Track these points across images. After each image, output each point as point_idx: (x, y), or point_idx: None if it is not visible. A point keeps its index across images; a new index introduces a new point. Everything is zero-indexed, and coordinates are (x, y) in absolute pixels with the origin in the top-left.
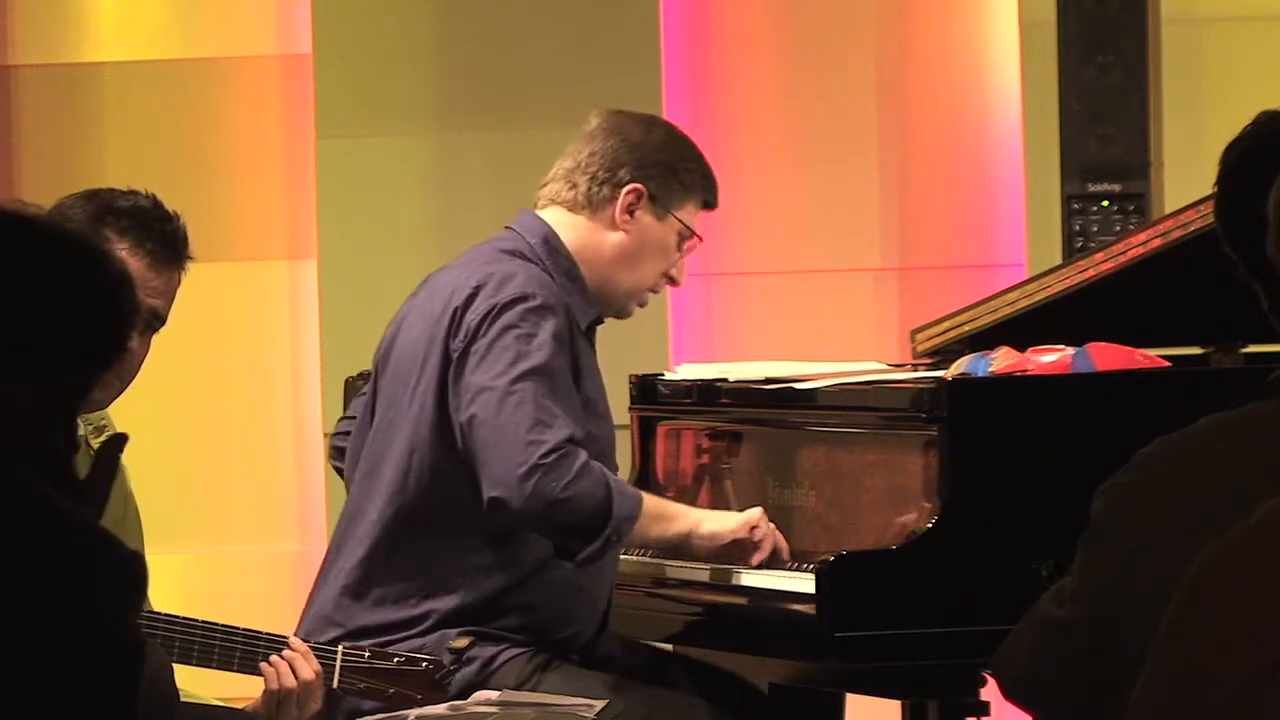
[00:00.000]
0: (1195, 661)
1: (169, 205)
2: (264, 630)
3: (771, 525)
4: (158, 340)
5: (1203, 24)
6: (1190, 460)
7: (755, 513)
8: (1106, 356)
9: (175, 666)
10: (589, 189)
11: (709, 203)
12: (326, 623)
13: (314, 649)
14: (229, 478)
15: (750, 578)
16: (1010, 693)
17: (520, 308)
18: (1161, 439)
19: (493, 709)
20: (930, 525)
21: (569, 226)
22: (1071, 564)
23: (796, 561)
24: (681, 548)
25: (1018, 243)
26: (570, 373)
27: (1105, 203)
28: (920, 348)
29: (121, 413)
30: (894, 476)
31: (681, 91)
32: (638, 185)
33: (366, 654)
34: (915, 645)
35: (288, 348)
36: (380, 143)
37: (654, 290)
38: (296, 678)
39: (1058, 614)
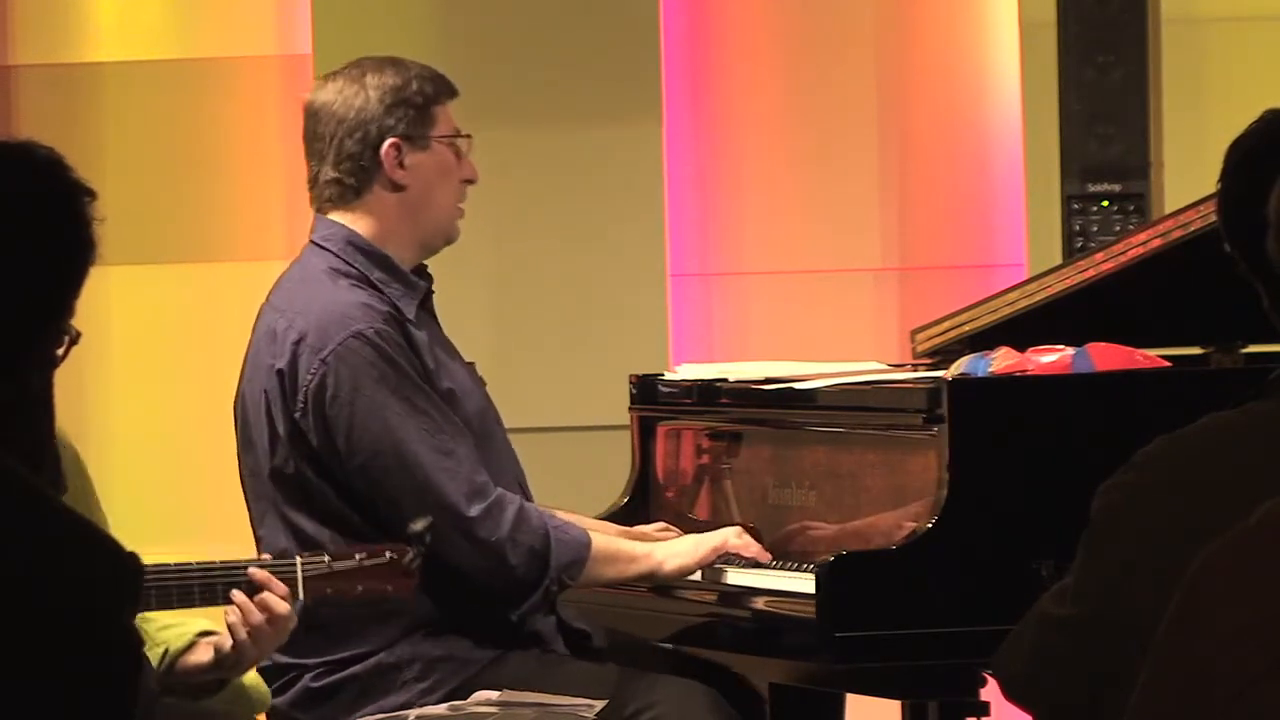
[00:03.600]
0: (1195, 661)
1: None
2: (218, 560)
3: (745, 541)
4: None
5: (1203, 24)
6: (1190, 459)
7: (719, 539)
8: (1106, 356)
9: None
10: (355, 171)
11: (450, 92)
12: (286, 666)
13: (274, 564)
14: (229, 478)
15: (750, 578)
16: (1010, 692)
17: (358, 355)
18: (1162, 438)
19: (493, 709)
20: (930, 525)
21: (357, 219)
22: (1071, 564)
23: (796, 561)
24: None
25: (1018, 243)
26: (421, 375)
27: (1105, 203)
28: (920, 348)
29: (122, 412)
30: (894, 476)
31: (681, 91)
32: (391, 139)
33: (326, 559)
34: (915, 645)
35: None
36: None
37: (459, 203)
38: (268, 608)
39: (1058, 613)
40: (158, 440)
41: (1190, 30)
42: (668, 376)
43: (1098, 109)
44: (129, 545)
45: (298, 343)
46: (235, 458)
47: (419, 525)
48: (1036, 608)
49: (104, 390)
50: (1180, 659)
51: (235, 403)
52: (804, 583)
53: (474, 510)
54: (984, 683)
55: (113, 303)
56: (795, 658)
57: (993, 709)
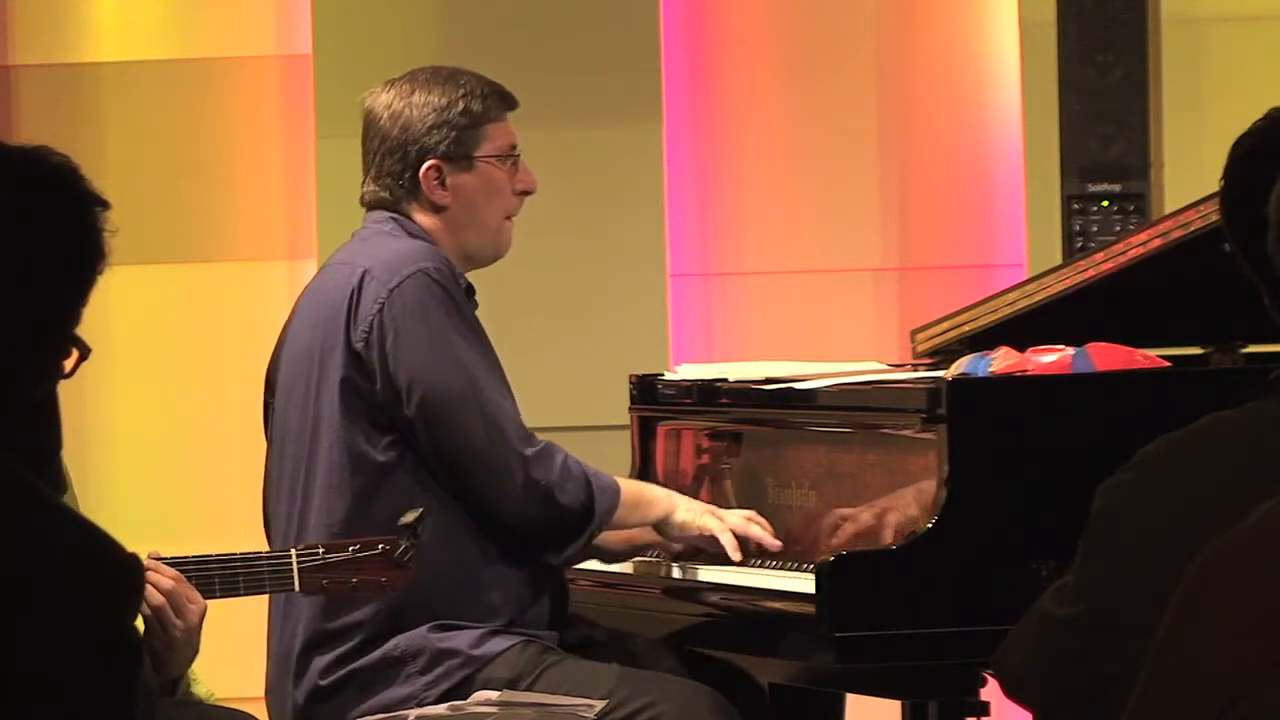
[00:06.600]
0: (1195, 661)
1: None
2: (213, 554)
3: (747, 530)
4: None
5: (1203, 24)
6: (1190, 459)
7: (734, 519)
8: (1106, 356)
9: None
10: (394, 189)
11: (506, 105)
12: (299, 660)
13: (269, 556)
14: (229, 478)
15: (750, 578)
16: (1010, 692)
17: (425, 289)
18: (1162, 438)
19: (493, 709)
20: (930, 525)
21: (406, 219)
22: (1072, 564)
23: (796, 561)
24: (656, 530)
25: (1018, 243)
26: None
27: (1105, 203)
28: (920, 348)
29: (122, 412)
30: (894, 476)
31: (681, 91)
32: (430, 161)
33: (321, 549)
34: (915, 645)
35: None
36: None
37: (511, 216)
38: (160, 590)
39: (1058, 613)
40: (158, 440)
41: (1190, 30)
42: (668, 376)
43: (1098, 109)
44: (128, 545)
45: (363, 275)
46: (236, 458)
47: (410, 517)
48: (1037, 607)
49: (104, 390)
50: (1179, 659)
51: (270, 364)
52: (804, 583)
53: (529, 450)
54: (984, 683)
55: (113, 303)
56: (795, 658)
57: (993, 709)
